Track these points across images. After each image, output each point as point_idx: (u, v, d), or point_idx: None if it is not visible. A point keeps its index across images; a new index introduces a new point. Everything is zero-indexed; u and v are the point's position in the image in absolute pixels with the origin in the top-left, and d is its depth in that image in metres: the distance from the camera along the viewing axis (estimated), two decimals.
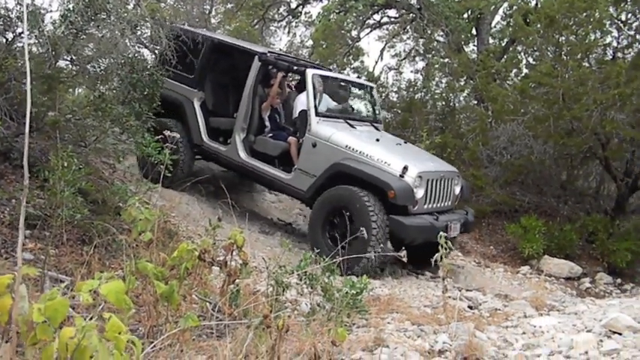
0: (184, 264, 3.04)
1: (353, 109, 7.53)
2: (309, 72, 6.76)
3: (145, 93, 5.99)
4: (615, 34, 9.45)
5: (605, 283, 7.88)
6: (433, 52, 12.70)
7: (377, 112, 7.69)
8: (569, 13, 8.64)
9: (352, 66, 13.08)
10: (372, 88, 8.02)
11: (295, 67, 7.22)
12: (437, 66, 12.47)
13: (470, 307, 5.21)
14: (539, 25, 9.25)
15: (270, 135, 7.14)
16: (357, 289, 3.89)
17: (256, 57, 6.93)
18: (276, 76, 7.17)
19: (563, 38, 8.83)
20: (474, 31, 12.32)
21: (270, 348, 2.52)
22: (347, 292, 3.80)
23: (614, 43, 9.55)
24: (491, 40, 12.37)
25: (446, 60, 12.36)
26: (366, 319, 4.01)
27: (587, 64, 8.84)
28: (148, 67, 6.22)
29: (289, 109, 7.45)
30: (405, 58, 13.99)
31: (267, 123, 7.26)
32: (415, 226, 5.87)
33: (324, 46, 12.85)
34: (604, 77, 8.11)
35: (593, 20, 8.64)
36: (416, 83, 13.21)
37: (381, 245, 5.77)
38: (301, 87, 7.47)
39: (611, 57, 9.43)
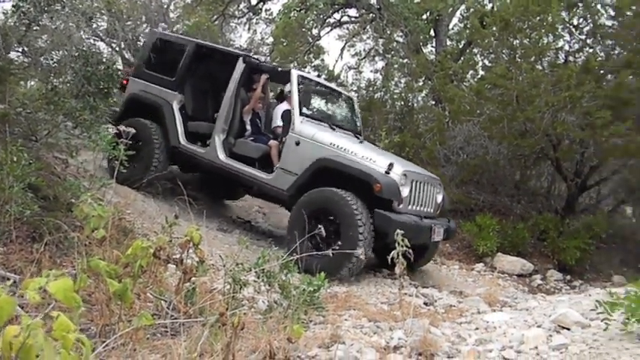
0: (139, 261, 2.99)
1: (336, 116, 7.46)
2: (294, 72, 6.75)
3: (101, 87, 5.83)
4: (567, 38, 9.78)
5: (555, 280, 8.13)
6: (392, 53, 12.84)
7: (358, 124, 7.66)
8: (524, 17, 8.88)
9: (313, 64, 13.10)
10: (353, 100, 8.01)
11: (280, 69, 7.17)
12: (396, 66, 12.62)
13: (425, 304, 5.29)
14: (494, 28, 9.47)
15: (251, 138, 7.09)
16: (314, 286, 3.90)
17: (240, 59, 6.91)
18: (260, 80, 7.14)
19: (518, 41, 9.06)
20: (432, 33, 12.52)
21: (225, 346, 2.50)
22: (304, 290, 3.81)
23: (566, 47, 9.88)
24: (448, 42, 12.59)
25: (405, 60, 12.52)
26: (323, 316, 4.02)
27: (540, 67, 9.10)
28: (104, 60, 6.06)
29: (268, 119, 7.42)
30: (364, 58, 14.11)
31: (249, 126, 7.20)
32: (401, 222, 5.64)
33: (284, 44, 12.82)
34: (556, 80, 8.37)
35: (546, 24, 8.90)
36: (375, 83, 13.34)
37: (368, 249, 5.58)
38: (281, 97, 7.48)
39: (562, 60, 9.73)
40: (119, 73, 6.62)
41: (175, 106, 7.15)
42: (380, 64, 13.81)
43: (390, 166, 5.82)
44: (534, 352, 3.23)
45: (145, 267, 3.04)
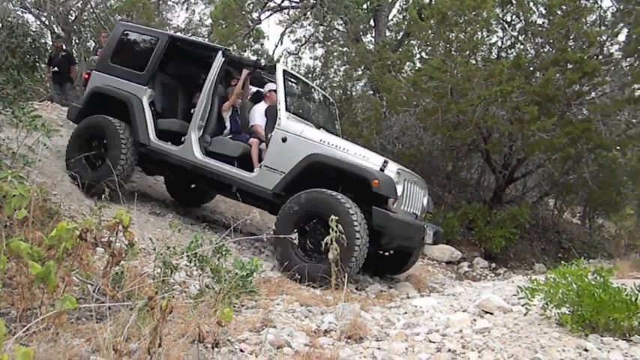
0: (64, 244, 2.87)
1: (317, 116, 7.09)
2: (280, 67, 6.38)
3: (26, 60, 5.54)
4: (500, 34, 10.10)
5: (481, 267, 8.47)
6: (332, 40, 12.86)
7: (337, 127, 7.37)
8: (460, 11, 9.09)
9: (252, 48, 12.94)
10: (333, 103, 7.74)
11: (264, 64, 6.83)
12: (335, 54, 12.67)
13: (357, 289, 5.39)
14: (432, 21, 9.65)
15: (230, 136, 6.69)
16: (247, 270, 3.88)
17: (220, 52, 6.53)
18: (240, 75, 6.76)
19: (454, 35, 9.28)
20: (372, 23, 12.63)
21: (152, 330, 2.45)
22: (237, 274, 3.78)
23: (499, 43, 10.20)
24: (387, 33, 12.75)
25: (344, 49, 12.58)
26: (255, 301, 4.01)
27: (473, 62, 9.36)
28: (31, 32, 5.75)
29: (244, 119, 6.99)
30: (304, 44, 14.06)
31: (228, 124, 6.81)
32: (400, 220, 5.42)
33: (223, 26, 12.58)
34: (488, 75, 8.64)
35: (481, 19, 9.16)
36: (315, 70, 13.34)
37: (365, 252, 5.26)
38: (257, 98, 7.15)
39: (495, 56, 10.05)
40: (48, 47, 6.28)
41: (145, 102, 6.68)
42: (320, 52, 13.83)
43: (385, 163, 5.58)
44: (459, 336, 3.35)
45: (70, 250, 2.92)
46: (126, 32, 7.18)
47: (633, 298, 3.30)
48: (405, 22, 12.05)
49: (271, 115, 6.25)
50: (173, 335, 2.79)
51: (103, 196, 5.02)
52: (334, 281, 4.33)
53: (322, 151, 5.70)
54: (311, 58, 13.91)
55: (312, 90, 7.42)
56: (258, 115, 6.74)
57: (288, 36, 14.14)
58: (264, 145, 6.31)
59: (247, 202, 6.77)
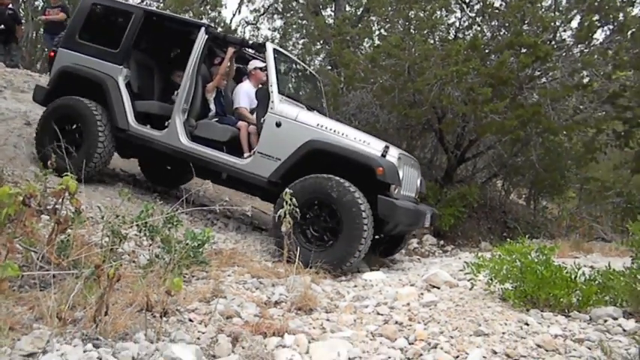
0: (5, 209, 2.76)
1: (304, 96, 6.79)
2: (270, 46, 6.00)
3: None
4: (458, 14, 10.18)
5: (430, 244, 8.66)
6: (292, 12, 12.71)
7: (324, 104, 7.10)
8: None
9: (209, 16, 12.63)
10: (319, 79, 7.44)
11: (252, 42, 6.49)
12: (294, 26, 12.53)
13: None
14: None
15: (216, 119, 6.34)
16: (198, 241, 3.84)
17: (203, 29, 6.14)
18: (226, 53, 6.38)
19: (413, 13, 9.30)
20: None
21: (98, 298, 2.40)
22: (188, 245, 3.74)
23: (457, 24, 10.29)
24: (347, 7, 12.67)
25: (304, 22, 12.45)
26: (206, 272, 3.99)
27: (431, 41, 9.42)
28: None
29: (227, 102, 6.63)
30: (263, 14, 13.84)
31: (212, 106, 6.44)
32: (405, 208, 5.26)
33: None
34: (445, 55, 8.70)
35: None
36: (273, 41, 13.16)
37: (368, 247, 5.12)
38: (239, 77, 6.84)
39: (452, 36, 10.14)
40: None
41: (121, 82, 6.25)
42: (278, 23, 13.66)
43: (386, 148, 5.40)
44: (406, 309, 3.43)
45: (12, 216, 2.82)
46: (95, 5, 6.64)
47: (573, 276, 3.45)
48: None
49: (262, 97, 5.92)
50: (120, 304, 2.74)
51: (49, 163, 4.84)
52: (286, 254, 4.34)
53: (321, 136, 5.45)
54: (269, 29, 13.70)
55: (300, 68, 7.07)
56: (242, 95, 6.40)
57: (247, 5, 13.91)
58: (252, 127, 6.02)
59: (237, 189, 6.54)
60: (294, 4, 12.55)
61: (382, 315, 3.35)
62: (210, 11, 12.51)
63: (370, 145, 5.46)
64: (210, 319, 2.99)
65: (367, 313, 3.40)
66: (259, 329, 2.92)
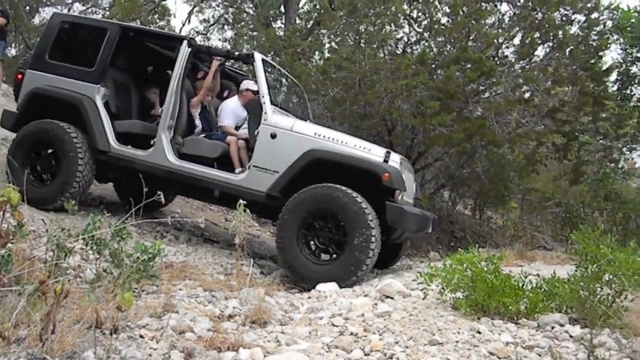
0: None
1: (293, 107, 6.58)
2: (258, 56, 5.83)
3: None
4: (407, 29, 10.40)
5: None
6: (242, 23, 12.66)
7: (310, 116, 6.99)
8: (370, 4, 9.27)
9: (157, 25, 12.43)
10: (302, 90, 7.31)
11: (238, 54, 6.27)
12: (245, 37, 12.48)
13: (263, 274, 5.37)
14: (342, 12, 9.76)
15: (203, 135, 6.11)
16: (149, 254, 3.74)
17: (185, 42, 5.90)
18: (211, 66, 6.20)
19: (363, 27, 9.45)
20: (282, 9, 12.57)
21: (44, 315, 2.29)
22: (138, 258, 3.63)
23: (405, 38, 10.50)
24: (298, 20, 12.74)
25: (254, 33, 12.43)
26: (156, 286, 3.89)
27: (381, 55, 9.58)
28: None
29: (212, 118, 6.43)
30: (213, 25, 13.73)
31: (198, 122, 6.21)
32: (413, 213, 5.22)
33: (126, 0, 11.97)
34: (395, 68, 8.88)
35: (389, 14, 9.38)
36: None
37: (376, 258, 4.99)
38: (225, 94, 6.65)
39: (401, 51, 10.35)
40: None
41: (99, 102, 5.94)
42: (229, 34, 13.58)
43: (388, 153, 5.31)
44: (361, 319, 3.44)
45: None
46: (64, 23, 6.34)
47: (520, 284, 3.55)
48: (316, 11, 12.09)
49: (253, 109, 5.77)
50: (67, 321, 2.63)
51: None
52: (239, 267, 4.28)
53: (320, 146, 5.31)
54: (220, 39, 13.57)
55: (286, 78, 6.90)
56: (227, 113, 6.22)
57: (196, 15, 13.76)
58: (242, 142, 5.87)
59: (231, 207, 6.17)
60: (244, 15, 12.52)
61: (337, 326, 3.34)
62: (158, 20, 12.31)
63: (371, 152, 5.37)
64: (162, 335, 2.90)
65: (322, 325, 3.38)
66: (213, 344, 2.86)
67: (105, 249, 3.68)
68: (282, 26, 12.67)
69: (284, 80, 6.74)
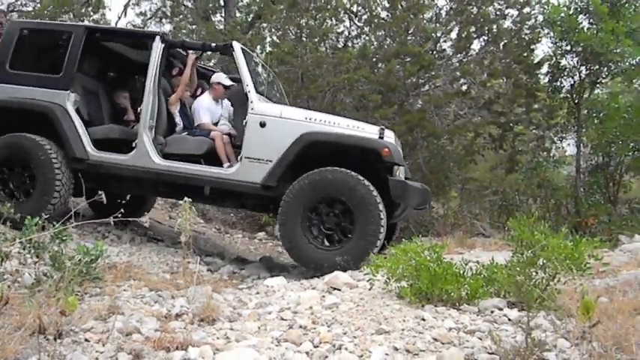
0: None
1: (274, 94, 6.36)
2: (237, 45, 5.63)
3: None
4: (347, 24, 10.51)
5: None
6: (181, 17, 12.42)
7: (287, 103, 6.74)
8: None
9: (91, 18, 12.01)
10: (276, 77, 7.15)
11: (215, 45, 6.04)
12: (184, 31, 12.23)
13: (210, 271, 5.34)
14: (283, 5, 9.76)
15: (186, 133, 5.91)
16: (90, 256, 3.65)
17: (158, 38, 5.65)
18: (187, 60, 5.97)
19: (304, 21, 9.48)
20: (221, 2, 12.41)
21: None
22: (80, 260, 3.54)
23: (346, 33, 10.61)
24: (238, 14, 12.61)
25: (194, 27, 12.21)
26: (100, 288, 3.81)
27: (323, 49, 9.66)
28: None
29: (191, 115, 6.17)
30: (150, 18, 13.39)
31: (178, 119, 5.98)
32: (415, 187, 5.19)
33: None
34: (336, 62, 8.98)
35: (330, 8, 9.46)
36: None
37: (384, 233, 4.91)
38: (198, 92, 6.37)
39: (342, 45, 10.45)
40: None
41: (70, 108, 5.64)
42: (167, 27, 13.25)
43: (382, 130, 5.24)
44: (309, 312, 3.48)
45: None
46: (24, 31, 5.99)
47: (461, 271, 3.69)
48: (256, 4, 12.00)
49: (237, 100, 5.64)
50: (8, 328, 2.54)
51: None
52: (185, 265, 4.24)
53: (313, 129, 5.19)
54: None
55: (262, 65, 6.67)
56: (203, 110, 6.00)
57: (132, 8, 13.38)
58: (226, 137, 5.73)
59: (221, 205, 6.02)
60: (182, 8, 12.27)
61: (286, 320, 3.37)
62: (92, 13, 11.89)
63: (365, 130, 5.33)
64: (109, 338, 2.85)
65: (271, 320, 3.41)
66: (161, 344, 2.83)
67: (44, 252, 3.58)
68: (222, 19, 12.50)
69: (260, 68, 6.54)
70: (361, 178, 4.92)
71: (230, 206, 6.51)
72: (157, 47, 5.64)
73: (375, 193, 4.88)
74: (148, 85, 5.62)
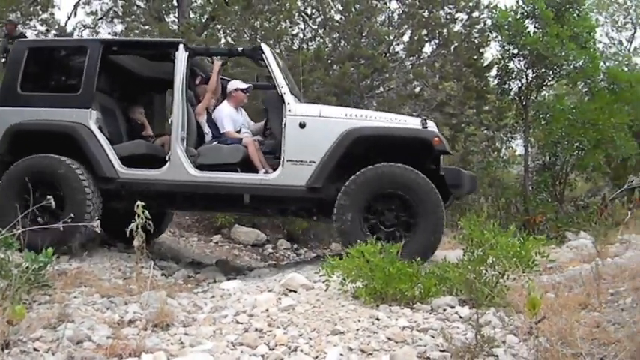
0: None
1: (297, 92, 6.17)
2: (266, 48, 5.48)
3: None
4: (302, 26, 10.55)
5: (284, 248, 8.84)
6: (133, 17, 12.19)
7: (301, 97, 6.39)
8: (264, 0, 9.31)
9: (40, 17, 11.67)
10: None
11: (242, 49, 5.79)
12: (137, 32, 12.01)
13: (164, 276, 5.27)
14: (237, 7, 9.71)
15: (215, 142, 5.69)
16: (39, 263, 3.56)
17: (181, 47, 5.43)
18: (213, 68, 5.77)
19: (258, 23, 9.46)
20: (175, 2, 12.26)
21: None
22: (27, 268, 3.45)
23: (301, 35, 10.65)
24: (192, 14, 12.47)
25: (146, 27, 12.01)
26: (49, 295, 3.71)
27: (278, 51, 9.65)
28: None
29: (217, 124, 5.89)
30: (102, 18, 13.09)
31: (207, 129, 5.75)
32: (468, 174, 5.23)
33: None
34: (291, 64, 8.98)
35: (284, 10, 9.47)
36: None
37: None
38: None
39: (297, 47, 10.48)
40: None
41: (94, 127, 5.38)
42: (119, 27, 12.99)
43: (424, 121, 5.21)
44: (265, 315, 3.48)
45: None
46: (32, 50, 5.69)
47: (415, 270, 3.77)
48: (210, 5, 11.90)
49: (271, 103, 5.50)
50: None
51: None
52: (138, 270, 4.17)
53: (356, 125, 5.10)
54: (109, 33, 12.93)
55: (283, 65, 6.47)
56: (225, 119, 5.77)
57: (83, 7, 13.05)
58: (257, 143, 5.60)
59: (262, 213, 5.88)
60: (135, 8, 12.05)
61: (242, 323, 3.36)
62: (41, 12, 11.53)
63: (407, 122, 5.33)
64: (59, 347, 2.78)
65: (226, 323, 3.39)
66: (114, 351, 2.78)
67: None
68: (176, 20, 12.34)
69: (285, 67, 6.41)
70: (413, 170, 4.87)
71: (269, 214, 6.37)
72: (181, 56, 5.45)
73: (432, 184, 4.85)
74: (176, 97, 5.42)
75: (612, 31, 20.28)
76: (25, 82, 5.57)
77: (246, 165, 5.49)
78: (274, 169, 5.34)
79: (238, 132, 5.85)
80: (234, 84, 6.01)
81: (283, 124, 5.25)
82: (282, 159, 5.21)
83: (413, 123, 5.33)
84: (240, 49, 5.88)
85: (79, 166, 5.28)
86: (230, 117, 5.81)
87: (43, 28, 11.64)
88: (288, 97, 5.28)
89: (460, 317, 3.35)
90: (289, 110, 5.23)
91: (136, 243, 3.91)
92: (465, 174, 5.22)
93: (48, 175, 5.23)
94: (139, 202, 4.06)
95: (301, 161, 5.14)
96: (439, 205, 4.83)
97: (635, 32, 20.20)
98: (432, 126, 5.33)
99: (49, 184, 5.20)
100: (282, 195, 5.27)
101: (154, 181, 5.35)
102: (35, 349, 2.73)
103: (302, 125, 5.20)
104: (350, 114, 5.35)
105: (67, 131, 5.37)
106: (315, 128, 5.19)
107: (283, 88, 5.31)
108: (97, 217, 5.36)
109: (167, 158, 5.39)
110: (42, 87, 5.66)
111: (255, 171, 5.44)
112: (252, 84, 6.30)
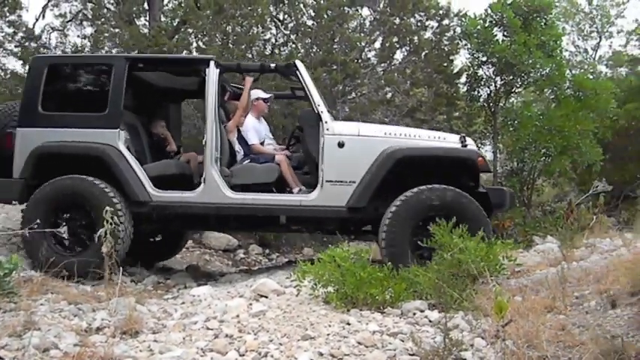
0: None
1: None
2: (300, 64, 5.35)
3: None
4: (274, 31, 10.55)
5: (256, 254, 8.80)
6: (103, 20, 12.01)
7: None
8: (236, 5, 9.29)
9: (7, 19, 11.42)
10: None
11: (275, 66, 5.62)
12: (107, 35, 11.85)
13: (133, 282, 5.20)
14: (209, 11, 9.67)
15: (248, 161, 5.54)
16: (4, 270, 3.49)
17: (212, 63, 5.26)
18: (245, 84, 5.68)
19: (231, 27, 9.43)
20: (146, 6, 12.13)
21: None
22: None
23: (273, 40, 10.64)
24: (163, 18, 12.36)
25: (116, 30, 11.86)
26: (15, 303, 3.64)
27: (250, 55, 9.64)
28: None
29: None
30: (71, 21, 12.87)
31: (238, 147, 5.62)
32: (510, 193, 5.29)
33: None
34: None
35: (256, 15, 9.46)
36: (83, 49, 12.31)
37: None
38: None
39: (269, 52, 10.47)
40: None
41: (123, 149, 5.19)
42: (89, 30, 12.78)
43: (463, 138, 5.19)
44: (236, 321, 3.48)
45: None
46: (53, 67, 5.45)
47: (386, 275, 3.81)
48: (182, 9, 11.81)
49: (307, 121, 5.36)
50: None
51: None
52: (108, 276, 4.11)
53: (396, 144, 5.02)
54: (78, 36, 12.69)
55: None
56: (251, 132, 5.63)
57: (51, 9, 12.80)
58: (288, 160, 5.51)
59: (297, 231, 5.86)
60: (105, 11, 11.87)
61: (212, 330, 3.35)
62: (8, 14, 11.28)
63: (447, 140, 5.32)
64: (24, 355, 2.74)
65: (197, 330, 3.37)
66: (81, 359, 2.75)
67: None
68: (147, 24, 12.21)
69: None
70: (465, 194, 4.83)
71: (304, 232, 6.33)
72: (212, 73, 5.30)
73: (480, 207, 4.81)
74: (209, 117, 5.26)
75: (578, 39, 20.73)
76: (46, 101, 5.33)
77: (279, 182, 5.44)
78: (304, 185, 5.36)
79: (262, 143, 5.78)
80: (256, 93, 5.90)
81: (321, 143, 5.14)
82: (320, 179, 5.12)
83: (452, 141, 5.31)
84: (272, 65, 5.76)
85: (111, 189, 5.12)
86: (254, 129, 5.71)
87: (10, 30, 11.38)
88: (326, 116, 5.17)
89: (430, 321, 3.40)
90: (327, 129, 5.12)
91: (104, 249, 3.87)
92: (507, 193, 5.28)
93: (78, 198, 5.07)
94: (107, 208, 4.02)
95: (341, 181, 5.07)
96: (487, 222, 4.78)
97: (600, 41, 20.70)
98: (470, 144, 5.34)
99: (78, 208, 5.06)
100: (322, 216, 5.20)
101: (188, 203, 5.23)
102: (0, 358, 2.68)
103: (341, 145, 5.11)
104: (389, 132, 5.28)
105: (97, 154, 5.17)
106: (354, 147, 5.11)
107: (320, 106, 5.20)
108: (128, 242, 5.18)
109: (202, 180, 5.25)
110: (64, 106, 5.43)
111: (288, 188, 5.40)
112: (273, 94, 6.25)
